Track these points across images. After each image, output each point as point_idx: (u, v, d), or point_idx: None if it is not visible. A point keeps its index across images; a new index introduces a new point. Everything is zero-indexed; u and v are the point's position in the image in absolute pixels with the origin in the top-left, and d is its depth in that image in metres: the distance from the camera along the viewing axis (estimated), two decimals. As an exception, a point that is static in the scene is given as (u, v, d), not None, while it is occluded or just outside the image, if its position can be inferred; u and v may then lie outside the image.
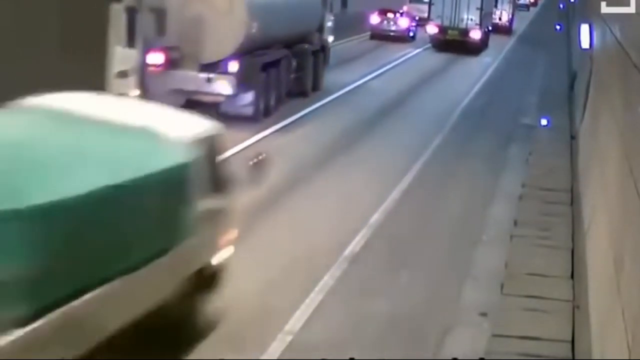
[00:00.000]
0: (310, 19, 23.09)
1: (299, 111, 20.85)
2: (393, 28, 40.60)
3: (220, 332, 9.13)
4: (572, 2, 48.68)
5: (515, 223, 13.26)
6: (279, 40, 20.62)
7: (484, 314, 10.21)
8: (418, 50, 38.13)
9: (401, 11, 41.98)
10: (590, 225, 11.17)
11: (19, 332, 6.18)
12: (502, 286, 10.65)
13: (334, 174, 15.89)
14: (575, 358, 8.76)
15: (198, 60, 18.28)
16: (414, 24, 41.73)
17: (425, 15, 41.23)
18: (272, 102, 20.06)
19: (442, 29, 38.52)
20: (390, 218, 13.70)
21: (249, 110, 19.17)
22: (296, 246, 11.86)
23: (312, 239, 12.24)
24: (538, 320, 9.59)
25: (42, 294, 6.42)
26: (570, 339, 9.15)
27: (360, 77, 27.23)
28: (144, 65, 15.62)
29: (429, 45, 39.26)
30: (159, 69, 16.82)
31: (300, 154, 16.83)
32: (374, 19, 40.97)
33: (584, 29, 18.95)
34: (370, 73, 28.60)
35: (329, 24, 24.96)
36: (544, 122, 21.22)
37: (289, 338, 9.27)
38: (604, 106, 13.06)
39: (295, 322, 9.65)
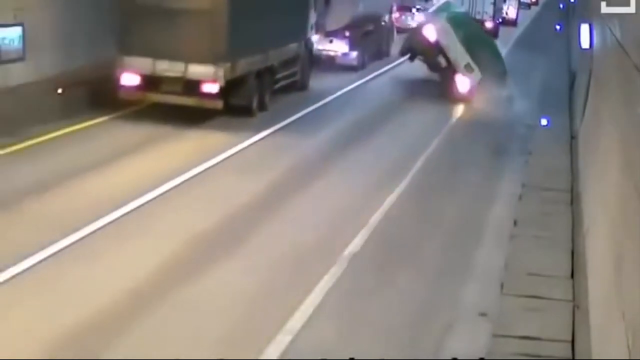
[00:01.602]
0: (384, 6, 34.49)
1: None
2: (411, 23, 43.47)
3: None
4: (572, 2, 48.78)
5: (515, 222, 13.27)
6: (368, 19, 31.26)
7: (483, 314, 10.21)
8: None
9: (417, 7, 45.27)
10: (590, 225, 11.17)
11: None
12: (502, 286, 10.66)
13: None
14: (575, 358, 8.76)
15: (325, 28, 27.60)
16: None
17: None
18: (367, 59, 30.48)
19: None
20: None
21: (355, 62, 29.44)
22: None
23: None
24: (538, 320, 9.59)
25: None
26: (570, 339, 9.14)
27: None
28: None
29: None
30: None
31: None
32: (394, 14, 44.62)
33: (584, 29, 18.95)
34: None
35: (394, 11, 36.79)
36: (544, 122, 21.25)
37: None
38: (604, 106, 13.06)
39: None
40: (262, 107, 20.59)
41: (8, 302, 9.66)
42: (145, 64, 18.61)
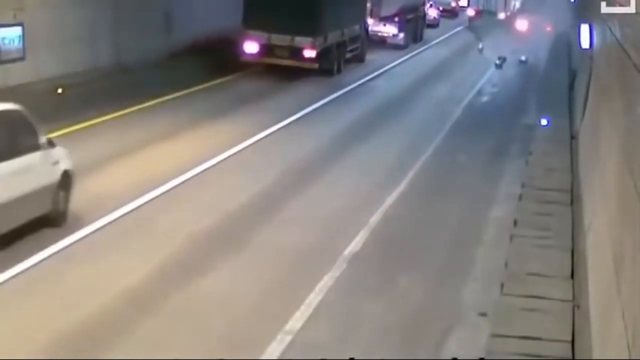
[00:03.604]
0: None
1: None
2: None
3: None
4: (572, 2, 48.96)
5: (515, 223, 13.25)
6: (410, 9, 39.49)
7: (483, 314, 10.21)
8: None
9: (430, 3, 50.11)
10: (590, 225, 11.16)
11: None
12: (502, 286, 10.65)
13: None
14: (575, 358, 8.75)
15: (379, 14, 36.10)
16: (439, 14, 52.52)
17: (442, 8, 55.54)
18: (409, 40, 39.08)
19: (478, 12, 56.82)
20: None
21: (402, 42, 37.90)
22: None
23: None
24: (538, 320, 9.58)
25: None
26: (570, 339, 9.14)
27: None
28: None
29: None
30: None
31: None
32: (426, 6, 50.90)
33: (584, 29, 18.93)
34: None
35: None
36: (544, 122, 21.24)
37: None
38: (604, 106, 13.05)
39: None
40: (338, 70, 28.42)
41: (6, 303, 9.67)
42: (263, 36, 26.13)
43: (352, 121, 21.41)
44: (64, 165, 12.00)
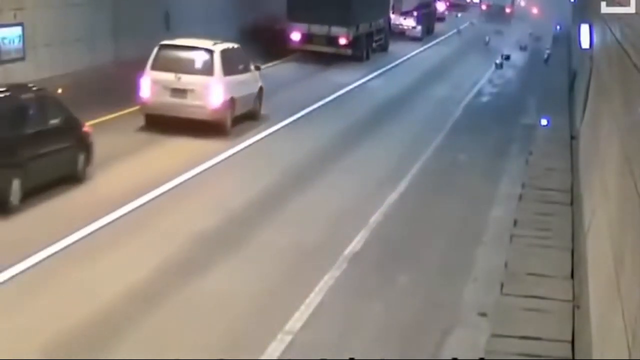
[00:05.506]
0: None
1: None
2: None
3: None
4: (572, 2, 49.06)
5: (515, 223, 13.25)
6: (426, 4, 45.21)
7: (483, 314, 10.20)
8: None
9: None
10: (590, 225, 11.16)
11: None
12: (502, 286, 10.65)
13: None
14: (575, 358, 8.75)
15: (400, 9, 41.77)
16: (446, 8, 57.23)
17: (453, 2, 61.78)
18: (425, 33, 43.74)
19: (489, 6, 62.10)
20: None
21: (419, 35, 42.56)
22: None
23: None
24: (538, 320, 9.58)
25: None
26: (570, 339, 9.14)
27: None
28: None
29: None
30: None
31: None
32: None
33: (584, 29, 18.91)
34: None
35: None
36: (544, 122, 21.22)
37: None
38: (604, 106, 13.04)
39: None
40: (367, 57, 32.93)
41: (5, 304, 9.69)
42: (304, 26, 31.42)
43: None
44: (260, 83, 19.93)
